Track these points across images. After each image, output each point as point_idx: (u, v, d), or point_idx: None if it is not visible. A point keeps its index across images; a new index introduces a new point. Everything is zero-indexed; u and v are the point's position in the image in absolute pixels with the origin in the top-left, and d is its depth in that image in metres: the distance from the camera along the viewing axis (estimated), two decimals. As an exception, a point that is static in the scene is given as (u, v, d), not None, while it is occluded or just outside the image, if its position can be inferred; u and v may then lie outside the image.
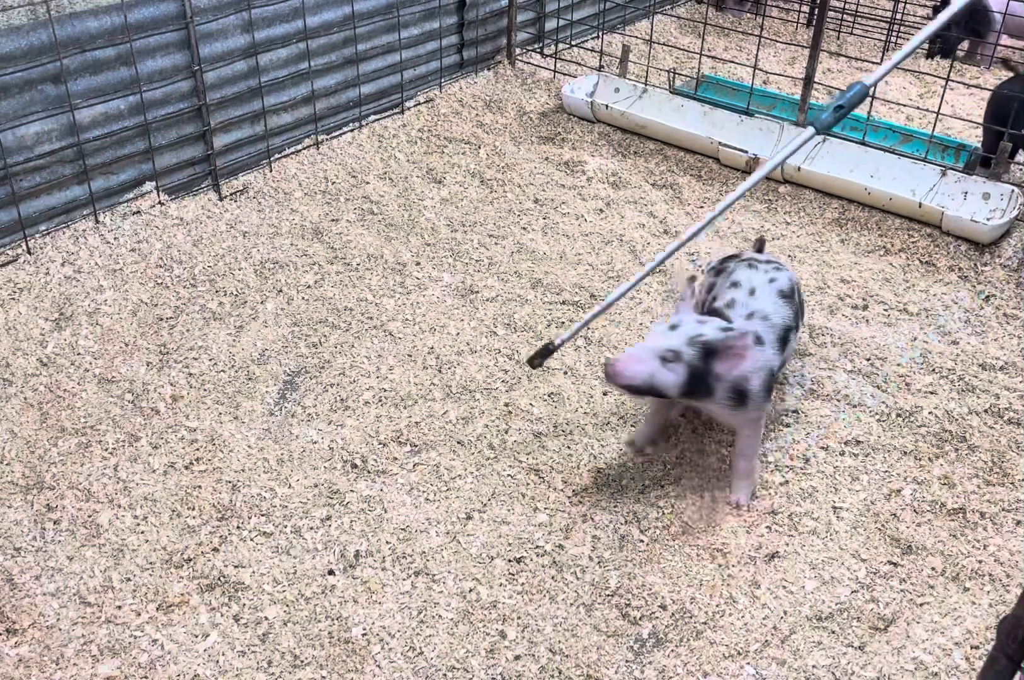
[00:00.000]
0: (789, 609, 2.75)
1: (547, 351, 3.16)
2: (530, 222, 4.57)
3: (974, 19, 6.47)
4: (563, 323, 3.86)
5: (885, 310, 4.06)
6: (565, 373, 3.61)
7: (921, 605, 2.78)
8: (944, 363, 3.73)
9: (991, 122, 5.04)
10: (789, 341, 3.07)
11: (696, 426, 3.38)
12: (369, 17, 5.11)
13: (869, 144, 4.94)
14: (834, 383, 3.61)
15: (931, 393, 3.59)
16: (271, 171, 4.82)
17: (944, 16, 2.95)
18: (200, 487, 3.07)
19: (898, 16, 6.90)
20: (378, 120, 5.36)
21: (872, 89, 3.03)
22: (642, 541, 2.95)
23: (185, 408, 3.40)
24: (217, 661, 2.57)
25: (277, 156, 4.91)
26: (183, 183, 4.57)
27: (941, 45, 6.79)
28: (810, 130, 2.95)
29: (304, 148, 5.01)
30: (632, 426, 3.37)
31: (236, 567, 2.82)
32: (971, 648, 2.66)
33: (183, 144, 4.50)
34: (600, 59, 6.01)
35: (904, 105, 5.29)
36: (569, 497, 3.09)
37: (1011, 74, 5.42)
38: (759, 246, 3.45)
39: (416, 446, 3.27)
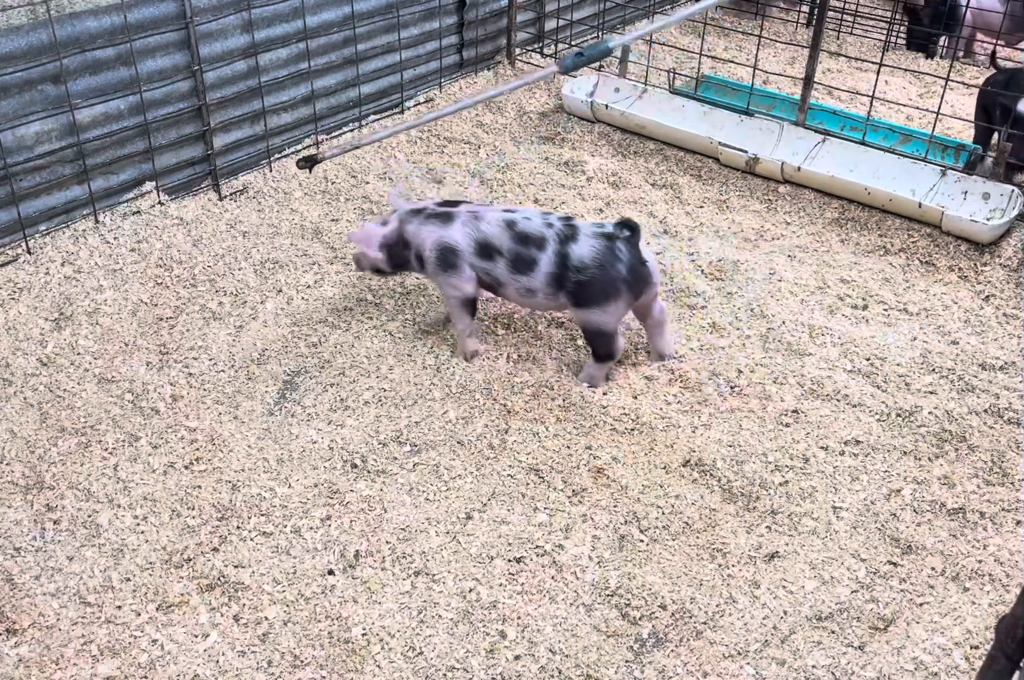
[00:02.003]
0: (789, 609, 2.75)
1: (314, 160, 3.73)
2: (530, 222, 4.57)
3: (945, 14, 6.50)
4: (562, 324, 3.86)
5: (885, 310, 4.06)
6: (557, 372, 3.61)
7: (921, 605, 2.78)
8: (944, 363, 3.73)
9: (978, 115, 5.17)
10: (492, 258, 3.45)
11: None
12: (369, 17, 5.11)
13: (869, 144, 4.94)
14: (834, 383, 3.61)
15: (931, 393, 3.59)
16: (271, 171, 4.82)
17: None
18: (200, 487, 3.07)
19: (897, 16, 6.91)
20: (378, 120, 5.36)
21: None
22: (642, 541, 2.95)
23: (185, 408, 3.40)
24: (217, 661, 2.57)
25: (277, 156, 4.91)
26: (183, 183, 4.57)
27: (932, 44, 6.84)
28: (553, 67, 3.46)
29: (304, 148, 5.01)
30: (634, 428, 3.37)
31: (236, 567, 2.82)
32: (971, 648, 2.66)
33: (183, 144, 4.50)
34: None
35: (904, 105, 5.29)
36: (569, 497, 3.09)
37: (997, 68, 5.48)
38: (626, 226, 3.33)
39: (416, 446, 3.27)
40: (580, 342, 3.77)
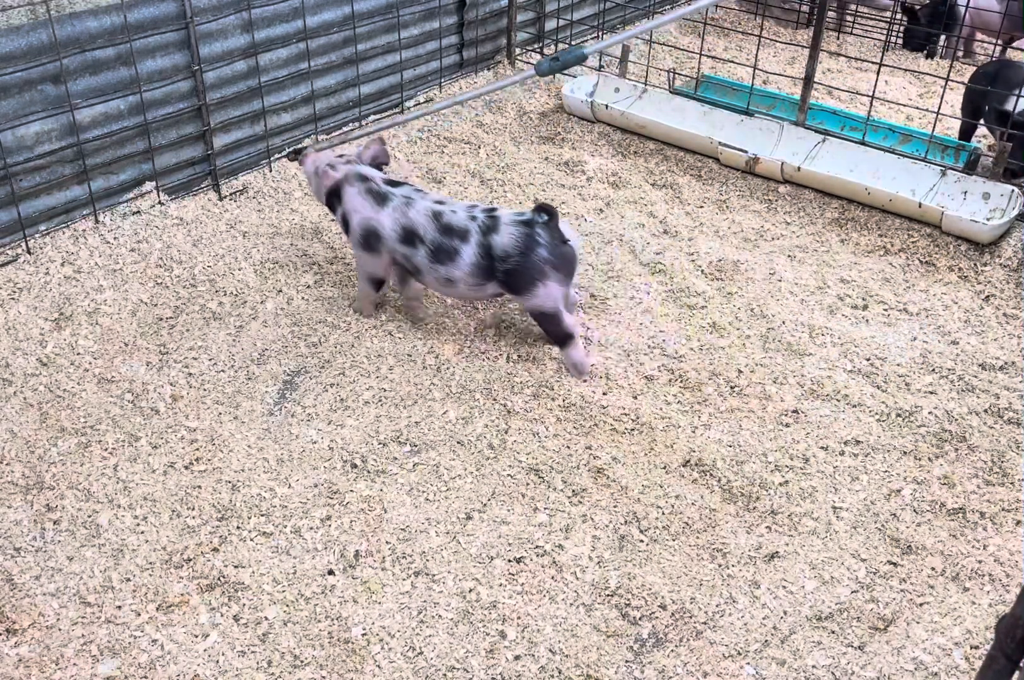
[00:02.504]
0: (789, 609, 2.76)
1: (304, 153, 3.97)
2: (530, 222, 4.57)
3: (941, 13, 6.51)
4: (563, 323, 3.87)
5: (885, 310, 4.06)
6: (557, 372, 3.61)
7: (921, 605, 2.78)
8: (944, 363, 3.73)
9: (964, 109, 5.26)
10: (413, 244, 3.56)
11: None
12: (369, 17, 5.11)
13: (869, 144, 4.94)
14: (834, 383, 3.61)
15: (931, 393, 3.59)
16: (271, 171, 4.82)
17: None
18: (200, 487, 3.07)
19: (897, 16, 6.91)
20: (378, 120, 5.36)
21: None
22: (642, 541, 2.95)
23: (185, 408, 3.40)
24: (217, 661, 2.57)
25: (277, 156, 4.91)
26: (183, 183, 4.57)
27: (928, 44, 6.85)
28: (531, 70, 3.56)
29: (304, 148, 5.00)
30: (634, 428, 3.37)
31: (236, 567, 2.82)
32: (971, 648, 2.66)
33: (183, 144, 4.50)
34: (600, 59, 6.01)
35: (904, 105, 5.29)
36: (569, 497, 3.09)
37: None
38: (543, 211, 3.45)
39: (416, 446, 3.27)
40: (580, 342, 3.76)
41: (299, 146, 4.11)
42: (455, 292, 3.64)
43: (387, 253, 3.65)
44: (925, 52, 6.90)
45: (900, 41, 7.02)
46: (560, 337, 3.56)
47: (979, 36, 7.05)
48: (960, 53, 6.92)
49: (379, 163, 3.81)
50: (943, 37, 6.84)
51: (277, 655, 2.59)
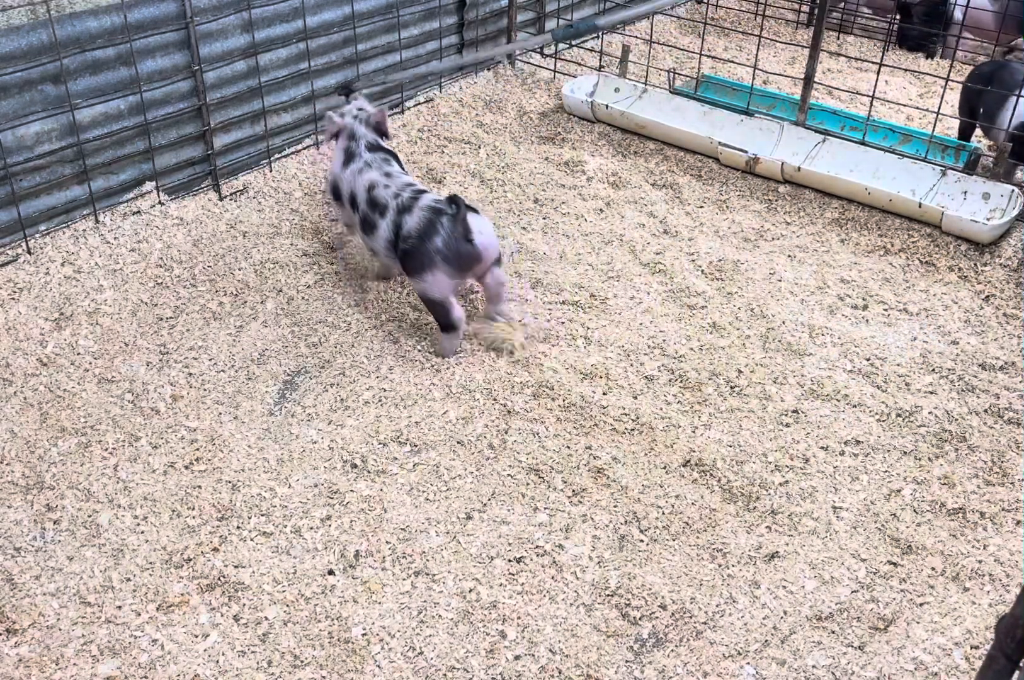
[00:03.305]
0: (789, 609, 2.76)
1: (349, 88, 4.23)
2: (530, 222, 4.57)
3: (940, 13, 6.49)
4: (563, 323, 3.86)
5: (885, 310, 4.06)
6: (557, 372, 3.61)
7: (921, 605, 2.78)
8: (944, 363, 3.73)
9: (961, 108, 5.25)
10: (355, 210, 3.76)
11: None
12: (369, 17, 5.11)
13: (869, 144, 4.94)
14: (834, 383, 3.61)
15: (931, 393, 3.59)
16: (271, 171, 4.82)
17: None
18: (200, 487, 3.07)
19: (897, 16, 6.90)
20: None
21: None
22: (642, 541, 2.95)
23: (185, 408, 3.40)
24: (217, 661, 2.57)
25: (277, 156, 4.91)
26: (183, 183, 4.57)
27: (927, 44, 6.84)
28: (548, 36, 3.92)
29: (304, 148, 5.01)
30: (634, 429, 3.37)
31: (236, 567, 2.82)
32: (971, 648, 2.66)
33: (183, 144, 4.50)
34: (600, 59, 6.01)
35: (904, 105, 5.29)
36: (569, 497, 3.09)
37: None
38: (451, 202, 3.45)
39: (416, 446, 3.27)
40: (580, 342, 3.77)
41: (348, 82, 4.34)
42: (383, 261, 3.82)
43: (346, 206, 3.86)
44: (925, 52, 6.89)
45: (897, 41, 7.01)
46: (442, 325, 3.62)
47: (966, 34, 7.03)
48: (960, 53, 6.90)
49: (380, 131, 4.00)
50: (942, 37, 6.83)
51: (277, 655, 2.59)
